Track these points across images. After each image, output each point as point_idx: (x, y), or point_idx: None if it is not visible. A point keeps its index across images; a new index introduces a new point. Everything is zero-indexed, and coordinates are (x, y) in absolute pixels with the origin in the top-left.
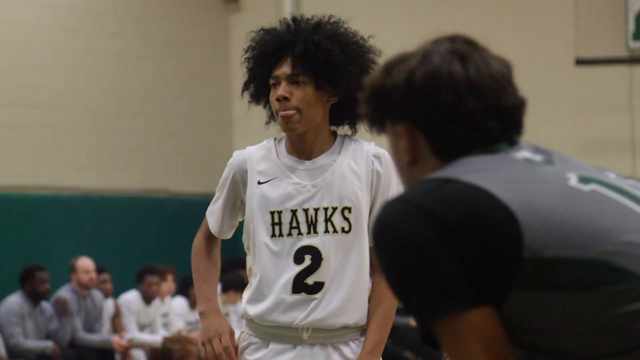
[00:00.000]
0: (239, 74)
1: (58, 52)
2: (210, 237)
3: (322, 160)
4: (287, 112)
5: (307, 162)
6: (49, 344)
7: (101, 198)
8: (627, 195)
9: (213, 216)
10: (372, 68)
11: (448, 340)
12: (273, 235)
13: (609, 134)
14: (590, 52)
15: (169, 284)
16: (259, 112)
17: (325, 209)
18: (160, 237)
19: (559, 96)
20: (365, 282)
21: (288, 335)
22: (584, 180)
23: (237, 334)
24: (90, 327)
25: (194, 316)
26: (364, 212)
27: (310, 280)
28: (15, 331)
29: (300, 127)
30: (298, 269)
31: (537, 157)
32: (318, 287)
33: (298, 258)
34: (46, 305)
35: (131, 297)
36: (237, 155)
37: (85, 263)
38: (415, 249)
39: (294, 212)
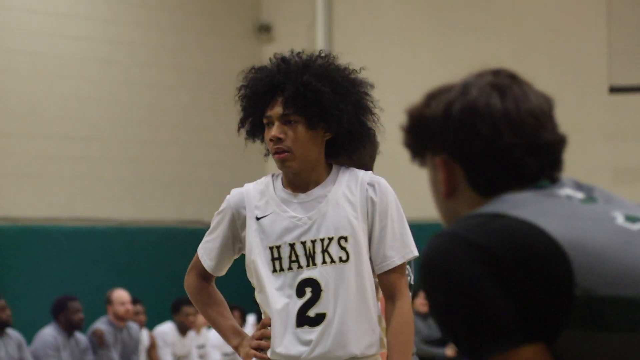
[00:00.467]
0: None
1: (92, 84)
2: (204, 275)
3: (316, 192)
4: (282, 154)
5: (302, 195)
6: None
7: (136, 229)
8: None
9: (208, 253)
10: (367, 101)
11: None
12: (274, 270)
13: None
14: (624, 80)
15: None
16: None
17: (322, 240)
18: None
19: (593, 124)
20: (371, 310)
21: None
22: (630, 219)
23: None
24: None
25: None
26: (362, 240)
27: (312, 313)
28: None
29: (295, 165)
30: (300, 302)
31: (579, 195)
32: (320, 318)
33: (300, 291)
34: (81, 337)
35: (166, 329)
36: (235, 194)
37: (121, 295)
38: (466, 285)
39: (292, 245)
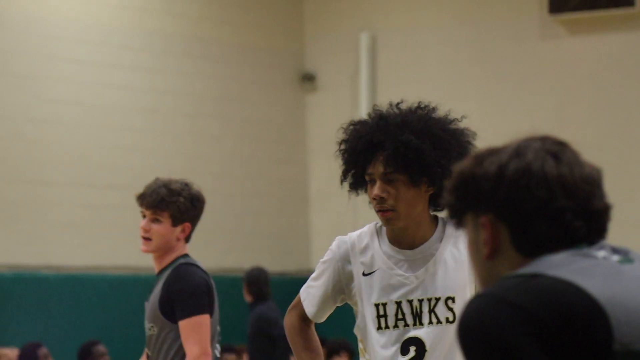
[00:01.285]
0: (316, 153)
1: (136, 133)
2: (305, 317)
3: (423, 249)
4: (386, 213)
5: (409, 252)
6: None
7: None
8: None
9: (311, 299)
10: (470, 150)
11: None
12: (379, 327)
13: None
14: None
15: None
16: (335, 191)
17: (429, 300)
18: (237, 316)
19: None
20: None
21: None
22: None
23: None
24: None
25: None
26: None
27: None
28: None
29: (400, 222)
30: (404, 359)
31: (616, 257)
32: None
33: (404, 349)
34: None
35: None
36: (341, 245)
37: None
38: (504, 347)
39: (398, 304)
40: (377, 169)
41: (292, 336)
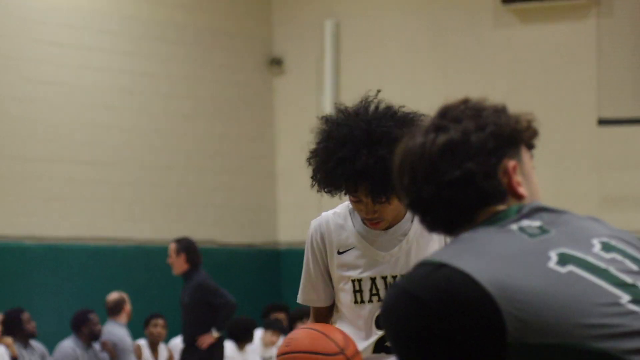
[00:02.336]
0: (282, 132)
1: (114, 113)
2: (318, 313)
3: (396, 229)
4: (373, 223)
5: (382, 232)
6: None
7: (153, 248)
8: (602, 274)
9: (305, 290)
10: None
11: None
12: (355, 301)
13: (630, 191)
14: (612, 113)
15: None
16: (300, 169)
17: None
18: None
19: (582, 154)
20: None
21: None
22: (563, 261)
23: None
24: None
25: (243, 358)
26: None
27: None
28: None
29: (386, 224)
30: (380, 333)
31: (536, 224)
32: None
33: (379, 323)
34: (97, 347)
35: (180, 342)
36: (316, 228)
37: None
38: (410, 337)
39: (373, 280)
40: (363, 194)
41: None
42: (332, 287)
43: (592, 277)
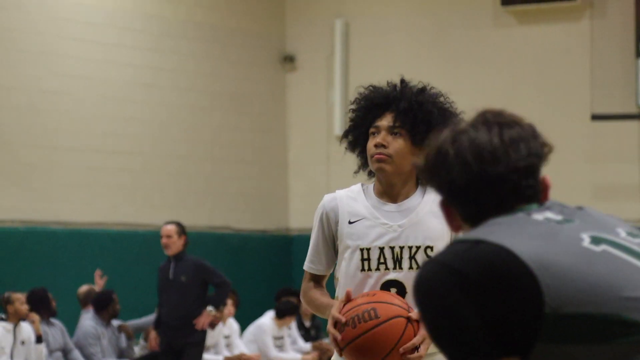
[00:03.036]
0: (294, 125)
1: (136, 105)
2: (315, 280)
3: (407, 203)
4: (382, 158)
5: (393, 205)
6: None
7: None
8: (635, 255)
9: (310, 258)
10: None
11: None
12: (362, 269)
13: (620, 182)
14: (604, 109)
15: (229, 308)
16: (312, 160)
17: (410, 248)
18: (223, 267)
19: (576, 148)
20: None
21: None
22: (596, 241)
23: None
24: None
25: (225, 332)
26: None
27: None
28: (94, 350)
29: (390, 169)
30: None
31: (558, 217)
32: None
33: (385, 289)
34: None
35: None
36: (328, 198)
37: None
38: (448, 309)
39: (381, 249)
40: (385, 121)
41: (306, 296)
42: (334, 259)
43: (625, 256)
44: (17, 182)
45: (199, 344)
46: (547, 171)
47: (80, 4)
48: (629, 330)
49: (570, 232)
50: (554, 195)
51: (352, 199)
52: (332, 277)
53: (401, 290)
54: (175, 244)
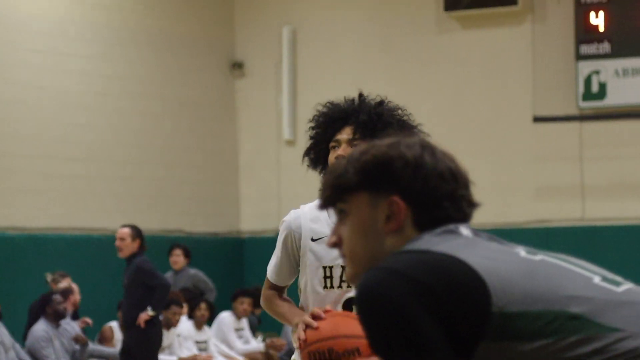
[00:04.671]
0: (244, 130)
1: (89, 113)
2: (275, 289)
3: None
4: None
5: None
6: None
7: None
8: (568, 262)
9: (272, 269)
10: None
11: None
12: (325, 286)
13: (562, 181)
14: (546, 111)
15: (202, 312)
16: (262, 164)
17: None
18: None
19: (519, 149)
20: None
21: None
22: (531, 252)
23: None
24: None
25: (201, 337)
26: None
27: None
28: (47, 352)
29: None
30: None
31: (482, 236)
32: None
33: (346, 307)
34: (67, 326)
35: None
36: (292, 215)
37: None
38: (401, 313)
39: (343, 267)
40: (345, 135)
41: (268, 303)
42: (295, 272)
43: (563, 264)
44: None
45: (141, 344)
46: (492, 171)
47: (32, 15)
48: (575, 324)
49: (502, 246)
50: (498, 194)
51: (316, 216)
52: (295, 284)
53: None
54: (127, 247)
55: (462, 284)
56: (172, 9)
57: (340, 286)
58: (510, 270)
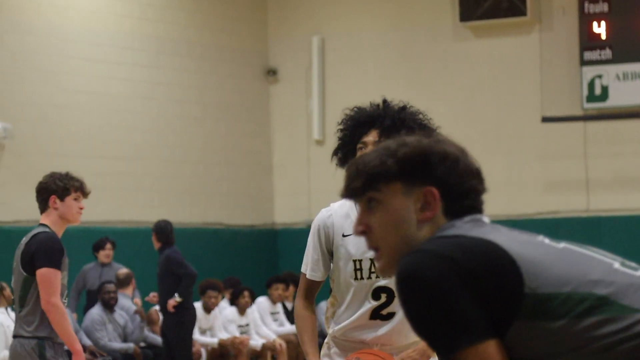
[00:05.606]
0: (277, 131)
1: (136, 116)
2: (306, 296)
3: None
4: None
5: None
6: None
7: None
8: (588, 249)
9: (309, 267)
10: None
11: None
12: (355, 278)
13: (568, 176)
14: (553, 112)
15: (246, 299)
16: (294, 162)
17: None
18: (217, 259)
19: (529, 147)
20: None
21: (360, 347)
22: (554, 241)
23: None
24: None
25: (243, 321)
26: None
27: (384, 312)
28: (100, 335)
29: None
30: (375, 303)
31: (501, 227)
32: (390, 316)
33: (375, 295)
34: (119, 313)
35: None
36: (324, 213)
37: None
38: (441, 291)
39: (372, 260)
40: (371, 137)
41: (300, 318)
42: (329, 266)
43: (584, 251)
44: (30, 186)
45: (175, 327)
46: (503, 168)
47: (84, 28)
48: (601, 305)
49: (528, 235)
50: (510, 189)
51: (345, 214)
52: (328, 278)
53: (390, 295)
54: (154, 242)
55: (497, 265)
56: (212, 21)
57: (369, 277)
58: (538, 254)
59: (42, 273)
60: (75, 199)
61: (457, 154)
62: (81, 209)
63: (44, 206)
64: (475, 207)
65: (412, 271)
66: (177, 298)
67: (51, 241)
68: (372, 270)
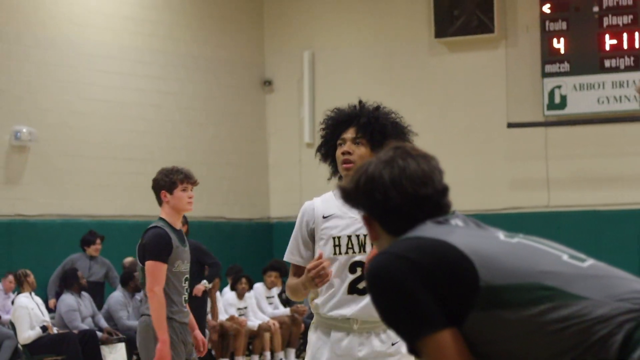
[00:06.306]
0: (273, 135)
1: (147, 122)
2: (297, 273)
3: None
4: (348, 164)
5: None
6: None
7: None
8: (540, 242)
9: (292, 252)
10: (410, 141)
11: (427, 353)
12: (334, 253)
13: (531, 176)
14: (518, 118)
15: (243, 285)
16: (287, 162)
17: None
18: (218, 249)
19: (496, 149)
20: None
21: (342, 325)
22: (509, 236)
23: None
24: None
25: (241, 304)
26: None
27: (360, 285)
28: (121, 314)
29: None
30: (352, 277)
31: (470, 224)
32: (366, 290)
33: (352, 269)
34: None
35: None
36: (307, 205)
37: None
38: (402, 289)
39: (349, 237)
40: (350, 134)
41: (289, 289)
42: (313, 251)
43: (536, 244)
44: (52, 184)
45: (198, 308)
46: (473, 168)
47: (102, 42)
48: (549, 294)
49: (486, 232)
50: (479, 187)
51: (325, 201)
52: None
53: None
54: None
55: (451, 262)
56: (214, 38)
57: (347, 252)
58: (492, 250)
59: (148, 265)
60: (184, 190)
61: (399, 178)
62: (190, 198)
63: (159, 201)
64: (437, 210)
65: (377, 271)
66: (206, 284)
67: (156, 237)
68: (349, 246)
